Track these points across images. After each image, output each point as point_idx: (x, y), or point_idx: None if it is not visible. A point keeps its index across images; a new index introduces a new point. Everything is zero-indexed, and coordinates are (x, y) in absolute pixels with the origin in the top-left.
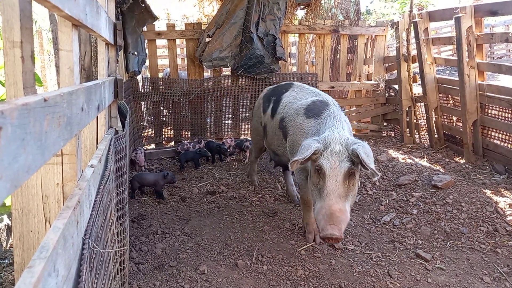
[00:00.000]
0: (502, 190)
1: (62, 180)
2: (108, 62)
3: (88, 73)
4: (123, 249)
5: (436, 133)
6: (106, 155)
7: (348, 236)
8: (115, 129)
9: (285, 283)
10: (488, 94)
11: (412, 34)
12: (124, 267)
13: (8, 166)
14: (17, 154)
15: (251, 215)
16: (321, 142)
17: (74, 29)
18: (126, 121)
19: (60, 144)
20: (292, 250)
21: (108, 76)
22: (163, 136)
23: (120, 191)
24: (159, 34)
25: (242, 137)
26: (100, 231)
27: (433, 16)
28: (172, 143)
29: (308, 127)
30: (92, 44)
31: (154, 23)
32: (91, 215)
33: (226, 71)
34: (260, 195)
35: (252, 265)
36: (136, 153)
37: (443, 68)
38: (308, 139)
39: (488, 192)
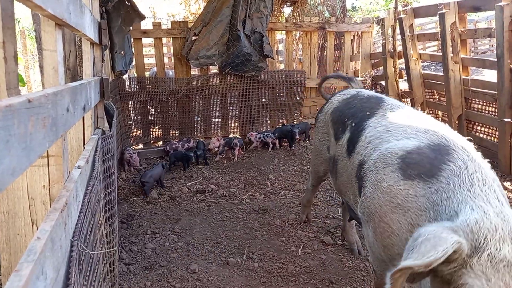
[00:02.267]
0: None
1: (49, 182)
2: (94, 62)
3: (73, 73)
4: (113, 250)
5: None
6: (93, 156)
7: (338, 231)
8: (102, 129)
9: (276, 279)
10: (472, 88)
11: (398, 30)
12: (114, 268)
13: None
14: (1, 157)
15: (241, 213)
16: (462, 234)
17: (58, 29)
18: (113, 121)
19: (45, 145)
20: (283, 246)
21: (94, 76)
22: (151, 135)
23: (108, 192)
24: (145, 33)
25: (231, 135)
26: (89, 233)
27: (418, 13)
28: (160, 142)
29: (406, 197)
30: (77, 43)
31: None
32: (79, 216)
33: (214, 69)
34: (250, 193)
35: (243, 263)
36: (130, 154)
37: (428, 63)
38: (432, 227)
39: None
